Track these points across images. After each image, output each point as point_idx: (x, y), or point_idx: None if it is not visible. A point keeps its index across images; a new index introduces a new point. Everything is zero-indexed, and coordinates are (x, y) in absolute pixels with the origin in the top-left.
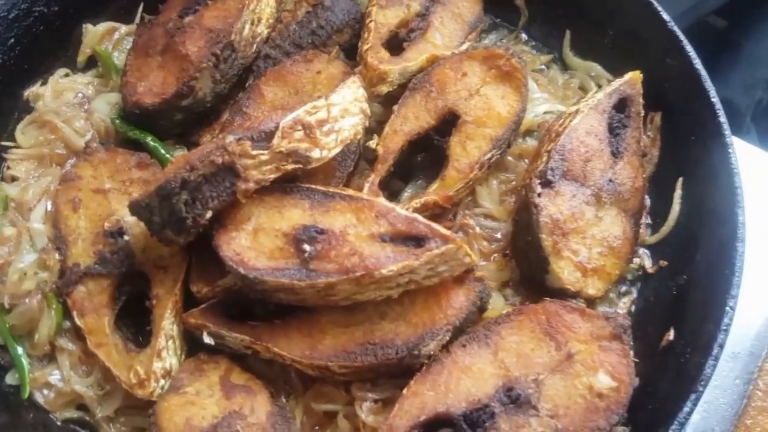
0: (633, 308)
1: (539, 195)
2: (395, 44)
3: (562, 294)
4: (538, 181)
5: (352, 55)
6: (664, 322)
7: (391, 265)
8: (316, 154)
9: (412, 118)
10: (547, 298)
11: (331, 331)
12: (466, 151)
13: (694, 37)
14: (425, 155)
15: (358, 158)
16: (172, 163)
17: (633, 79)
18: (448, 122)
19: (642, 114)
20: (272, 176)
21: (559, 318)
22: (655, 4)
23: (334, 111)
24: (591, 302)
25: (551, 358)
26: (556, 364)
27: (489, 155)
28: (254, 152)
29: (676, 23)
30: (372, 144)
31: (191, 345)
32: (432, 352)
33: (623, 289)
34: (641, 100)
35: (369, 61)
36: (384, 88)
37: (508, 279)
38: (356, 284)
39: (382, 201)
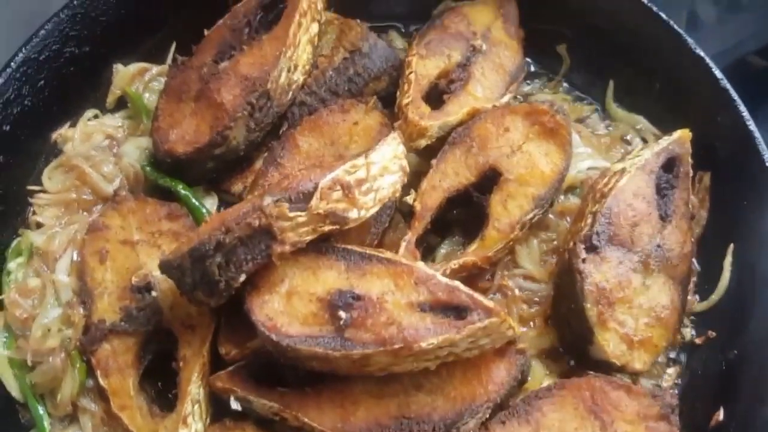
0: (679, 381)
1: (584, 261)
2: (434, 95)
3: (605, 367)
4: (583, 246)
5: (388, 102)
6: (713, 400)
7: (431, 338)
8: (353, 214)
9: (451, 174)
10: (591, 373)
11: (364, 402)
12: (507, 211)
13: (733, 76)
14: (462, 209)
15: (393, 213)
16: (206, 224)
17: (682, 137)
18: (489, 179)
19: (690, 174)
20: (308, 238)
21: (604, 395)
22: (707, 59)
23: (374, 169)
24: (635, 375)
25: None
26: None
27: (531, 215)
28: (292, 214)
29: (715, 62)
30: (409, 200)
31: (216, 406)
32: (471, 431)
33: (669, 359)
34: (690, 160)
35: (410, 116)
36: (423, 143)
37: (548, 346)
38: (393, 356)
39: (421, 267)
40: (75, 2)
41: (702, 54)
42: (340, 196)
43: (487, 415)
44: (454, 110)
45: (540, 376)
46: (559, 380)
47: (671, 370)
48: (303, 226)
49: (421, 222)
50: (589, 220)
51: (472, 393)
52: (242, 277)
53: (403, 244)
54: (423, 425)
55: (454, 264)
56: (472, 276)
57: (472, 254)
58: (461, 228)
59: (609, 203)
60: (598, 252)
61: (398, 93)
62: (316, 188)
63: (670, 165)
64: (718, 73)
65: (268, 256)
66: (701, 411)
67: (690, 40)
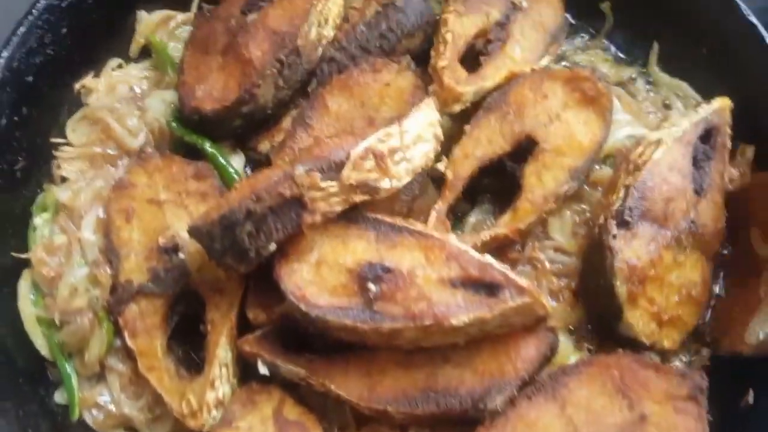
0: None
1: (614, 237)
2: (470, 56)
3: (634, 344)
4: (614, 221)
5: (421, 60)
6: (741, 382)
7: (462, 315)
8: (386, 184)
9: (485, 142)
10: (621, 350)
11: (391, 372)
12: (542, 182)
13: None
14: (492, 177)
15: (423, 180)
16: (236, 190)
17: (722, 107)
18: (524, 148)
19: (728, 146)
20: (339, 208)
21: (632, 374)
22: (760, 27)
23: (407, 138)
24: (664, 354)
25: (623, 418)
26: (628, 425)
27: (566, 187)
28: (323, 184)
29: (757, 17)
30: (440, 167)
31: (243, 369)
32: (498, 408)
33: (700, 338)
34: (728, 131)
35: (446, 82)
36: (457, 108)
37: (577, 321)
38: (422, 332)
39: (453, 241)
40: None
41: (754, 20)
42: (373, 165)
43: (515, 392)
44: (491, 74)
45: (567, 351)
46: (587, 357)
47: (704, 351)
48: (334, 196)
49: (452, 191)
50: (622, 194)
51: (500, 369)
52: (272, 246)
53: (433, 214)
54: (450, 399)
55: (485, 236)
56: (501, 247)
57: (504, 226)
58: (491, 196)
59: (643, 177)
60: (630, 228)
61: (432, 53)
62: (348, 157)
63: (707, 135)
64: None
65: (299, 225)
66: (729, 393)
67: (742, 5)
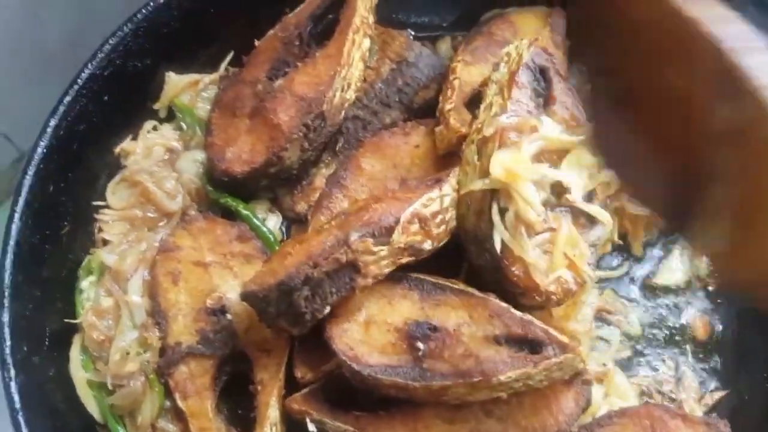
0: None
1: None
2: (477, 102)
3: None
4: None
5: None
6: (761, 425)
7: (509, 371)
8: (428, 245)
9: None
10: (650, 401)
11: (436, 427)
12: None
13: None
14: None
15: None
16: (291, 255)
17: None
18: None
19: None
20: (388, 270)
21: (663, 423)
22: None
23: (446, 201)
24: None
25: None
26: None
27: None
28: (375, 249)
29: None
30: None
31: (290, 427)
32: None
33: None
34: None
35: (451, 123)
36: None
37: None
38: (471, 388)
39: (495, 300)
40: (138, 16)
41: None
42: (418, 229)
43: None
44: None
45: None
46: (619, 408)
47: (717, 394)
48: (384, 259)
49: None
50: None
51: (542, 422)
52: (327, 309)
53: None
54: None
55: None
56: None
57: None
58: None
59: None
60: None
61: (441, 98)
62: (397, 222)
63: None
64: None
65: (352, 288)
66: None
67: None
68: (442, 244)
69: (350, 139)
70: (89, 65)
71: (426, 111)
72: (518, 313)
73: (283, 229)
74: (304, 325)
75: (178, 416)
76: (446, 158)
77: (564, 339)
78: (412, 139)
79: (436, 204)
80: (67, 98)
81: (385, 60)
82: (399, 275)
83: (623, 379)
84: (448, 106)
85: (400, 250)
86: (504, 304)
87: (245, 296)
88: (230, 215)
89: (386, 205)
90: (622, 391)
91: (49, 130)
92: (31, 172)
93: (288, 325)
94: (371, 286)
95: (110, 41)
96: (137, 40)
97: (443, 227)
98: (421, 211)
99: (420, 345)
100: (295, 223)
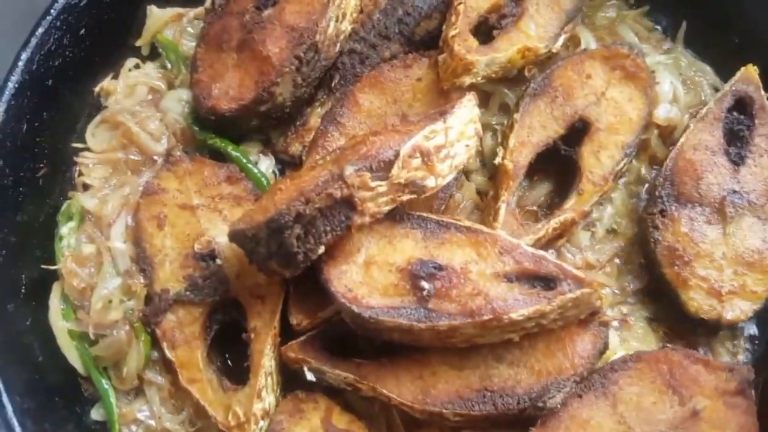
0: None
1: (655, 228)
2: (484, 31)
3: (703, 323)
4: (656, 211)
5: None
6: None
7: (521, 309)
8: (431, 182)
9: (538, 128)
10: (669, 345)
11: (444, 374)
12: (600, 162)
13: None
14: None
15: (459, 177)
16: (281, 191)
17: (746, 74)
18: (577, 129)
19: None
20: (387, 208)
21: (682, 369)
22: None
23: (451, 135)
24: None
25: (675, 415)
26: (680, 422)
27: (621, 164)
28: (373, 184)
29: None
30: (498, 159)
31: (286, 376)
32: (558, 405)
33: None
34: (763, 93)
35: (456, 49)
36: (467, 80)
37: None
38: (481, 328)
39: (504, 235)
40: None
41: None
42: (420, 163)
43: (573, 388)
44: (504, 47)
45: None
46: (635, 352)
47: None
48: (383, 195)
49: (515, 180)
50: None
51: (557, 366)
52: (321, 249)
53: (503, 206)
54: (507, 398)
55: (555, 222)
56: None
57: (570, 210)
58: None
59: (668, 164)
60: (665, 215)
61: (445, 25)
62: (397, 156)
63: (741, 105)
64: None
65: (348, 227)
66: None
67: None
68: (446, 181)
69: (347, 75)
70: None
71: (428, 43)
72: (530, 249)
73: (276, 171)
74: (297, 266)
75: (167, 367)
76: (451, 92)
77: (580, 274)
78: (414, 72)
79: (441, 137)
80: (40, 29)
81: None
82: (400, 214)
83: (643, 323)
84: (452, 32)
85: (400, 186)
86: (514, 240)
87: (233, 236)
88: (219, 158)
89: (385, 138)
90: (642, 336)
91: (20, 63)
92: (1, 108)
93: (279, 267)
94: (370, 225)
95: None
96: None
97: (448, 162)
98: (423, 144)
99: (425, 284)
100: (290, 167)
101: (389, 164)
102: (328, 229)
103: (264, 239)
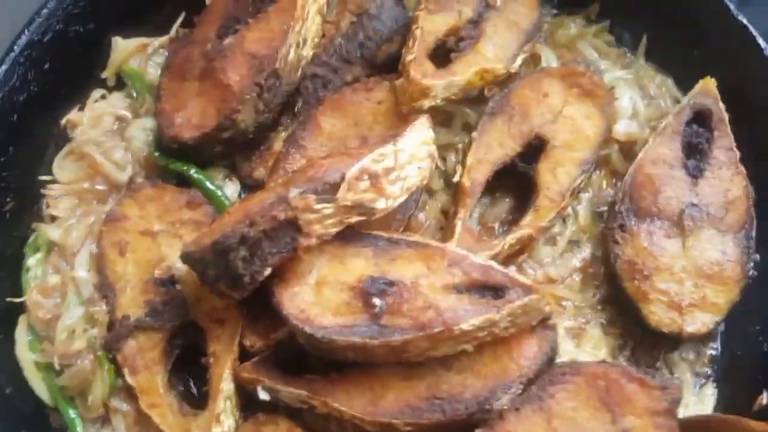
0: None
1: (615, 242)
2: (442, 53)
3: (665, 335)
4: (616, 226)
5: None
6: (754, 382)
7: (471, 319)
8: (381, 204)
9: (496, 146)
10: (607, 361)
11: (393, 385)
12: (557, 178)
13: None
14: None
15: (419, 197)
16: (229, 215)
17: (704, 87)
18: (533, 147)
19: (726, 118)
20: (334, 230)
21: (618, 387)
22: (752, 29)
23: (402, 157)
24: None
25: None
26: None
27: (578, 180)
28: (318, 206)
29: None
30: (456, 177)
31: (245, 399)
32: (505, 407)
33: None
34: (722, 105)
35: (412, 74)
36: (426, 103)
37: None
38: (433, 340)
39: (452, 248)
40: None
41: (746, 22)
42: (368, 186)
43: (520, 391)
44: (461, 70)
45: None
46: (575, 364)
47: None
48: (329, 218)
49: (472, 198)
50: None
51: (503, 369)
52: (267, 271)
53: (459, 224)
54: (455, 404)
55: (512, 239)
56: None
57: (527, 226)
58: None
59: (627, 179)
60: (625, 229)
61: (403, 50)
62: (342, 179)
63: (700, 118)
64: (762, 43)
65: (294, 249)
66: (743, 394)
67: (732, 6)
68: (398, 202)
69: (309, 99)
70: (26, 31)
71: (391, 66)
72: (477, 260)
73: (242, 196)
74: (244, 288)
75: (130, 394)
76: (410, 115)
77: (526, 281)
78: (375, 95)
79: (390, 160)
80: (3, 66)
81: (344, 13)
82: (350, 233)
83: (598, 331)
84: (409, 57)
85: (347, 209)
86: (462, 252)
87: (185, 258)
88: (185, 184)
89: (333, 161)
90: (595, 343)
91: None
92: None
93: (228, 289)
94: (320, 246)
95: (48, 5)
96: (78, 3)
97: (399, 184)
98: (371, 167)
99: (376, 301)
100: (254, 190)
101: (335, 187)
102: (274, 251)
103: (211, 262)
